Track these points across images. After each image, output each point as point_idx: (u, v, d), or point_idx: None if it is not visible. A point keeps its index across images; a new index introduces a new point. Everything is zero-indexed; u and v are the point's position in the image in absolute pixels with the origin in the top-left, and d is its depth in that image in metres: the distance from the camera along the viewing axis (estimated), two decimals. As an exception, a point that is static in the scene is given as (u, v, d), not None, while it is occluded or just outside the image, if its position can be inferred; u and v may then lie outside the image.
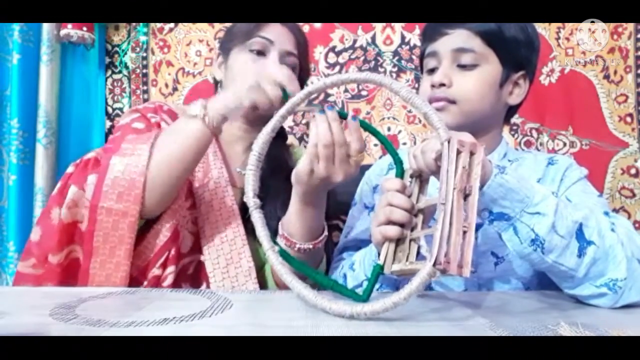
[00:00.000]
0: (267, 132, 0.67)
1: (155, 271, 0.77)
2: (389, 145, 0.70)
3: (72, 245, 0.76)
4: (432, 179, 0.64)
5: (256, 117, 0.91)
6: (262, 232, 0.63)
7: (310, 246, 0.77)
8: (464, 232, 0.52)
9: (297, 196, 0.75)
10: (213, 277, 0.80)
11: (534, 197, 0.59)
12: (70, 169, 0.79)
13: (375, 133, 0.73)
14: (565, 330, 0.50)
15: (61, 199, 0.75)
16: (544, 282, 0.71)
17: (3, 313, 0.55)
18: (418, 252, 0.62)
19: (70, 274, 0.76)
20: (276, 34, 0.91)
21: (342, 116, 0.68)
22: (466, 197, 0.54)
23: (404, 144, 1.37)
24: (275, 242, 0.63)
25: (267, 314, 0.58)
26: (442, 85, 0.79)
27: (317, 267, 0.85)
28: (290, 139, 1.14)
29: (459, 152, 0.54)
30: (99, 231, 0.73)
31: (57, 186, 0.78)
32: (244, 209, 0.88)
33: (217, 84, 1.01)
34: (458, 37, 0.80)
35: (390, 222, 0.62)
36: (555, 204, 0.59)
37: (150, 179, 0.74)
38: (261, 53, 0.90)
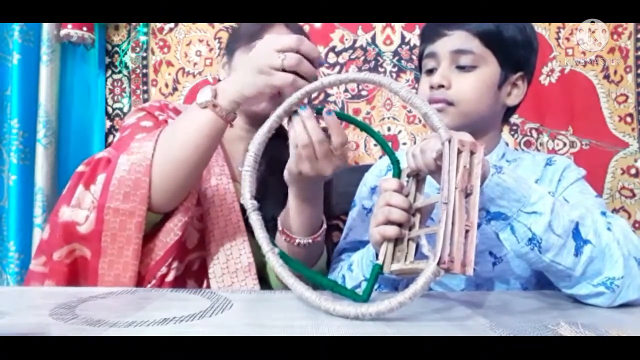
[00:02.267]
0: (263, 132, 0.66)
1: (163, 269, 0.76)
2: (385, 145, 0.71)
3: (73, 244, 0.75)
4: (429, 177, 0.64)
5: (258, 117, 0.92)
6: (260, 234, 0.63)
7: (310, 240, 0.79)
8: (466, 231, 0.53)
9: (292, 194, 0.76)
10: (212, 273, 0.80)
11: (531, 197, 0.59)
12: (80, 168, 0.77)
13: (372, 134, 0.73)
14: (565, 330, 0.50)
15: (70, 197, 0.75)
16: (542, 282, 0.71)
17: (3, 313, 0.55)
18: (416, 251, 0.62)
19: (76, 272, 0.76)
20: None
21: (318, 112, 0.68)
22: (467, 196, 0.54)
23: (404, 144, 1.37)
24: (274, 244, 0.63)
25: (267, 314, 0.58)
26: (441, 86, 0.79)
27: (318, 260, 0.85)
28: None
29: (459, 152, 0.54)
30: (106, 231, 0.72)
31: (67, 185, 0.77)
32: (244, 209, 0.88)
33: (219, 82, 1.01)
34: (457, 39, 0.80)
35: (388, 222, 0.62)
36: (551, 203, 0.59)
37: (157, 177, 0.72)
38: None
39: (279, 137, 0.86)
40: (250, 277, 0.81)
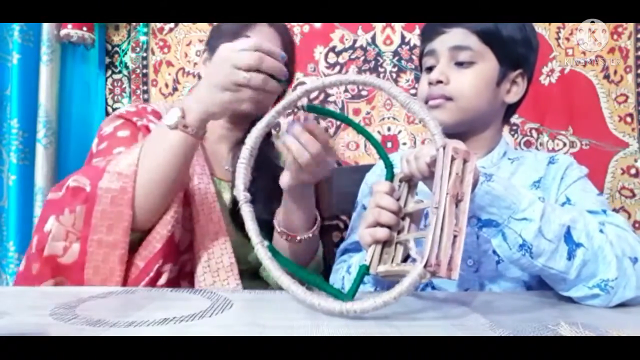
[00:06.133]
0: (261, 126, 0.67)
1: (160, 262, 0.76)
2: (380, 148, 0.71)
3: (58, 277, 0.74)
4: (421, 184, 0.65)
5: (240, 116, 0.92)
6: (251, 226, 0.63)
7: (310, 235, 0.83)
8: (454, 237, 0.53)
9: (290, 197, 0.79)
10: (196, 272, 0.80)
11: (521, 203, 0.60)
12: (51, 196, 0.76)
13: (368, 137, 0.74)
14: (565, 330, 0.50)
15: (42, 228, 0.74)
16: (545, 282, 0.71)
17: (3, 313, 0.55)
18: (403, 255, 0.63)
19: None
20: (263, 35, 0.91)
21: (308, 109, 0.69)
22: (457, 202, 0.54)
23: (404, 144, 1.37)
24: (264, 237, 0.63)
25: (267, 314, 0.58)
26: (439, 82, 0.79)
27: (315, 254, 0.88)
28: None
29: (453, 159, 0.55)
30: (89, 263, 0.72)
31: (40, 216, 0.76)
32: (234, 203, 0.89)
33: (200, 79, 1.01)
34: (455, 35, 0.80)
35: (378, 224, 0.63)
36: (541, 209, 0.60)
37: (139, 205, 0.73)
38: None
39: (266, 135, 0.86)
40: (232, 277, 0.80)
